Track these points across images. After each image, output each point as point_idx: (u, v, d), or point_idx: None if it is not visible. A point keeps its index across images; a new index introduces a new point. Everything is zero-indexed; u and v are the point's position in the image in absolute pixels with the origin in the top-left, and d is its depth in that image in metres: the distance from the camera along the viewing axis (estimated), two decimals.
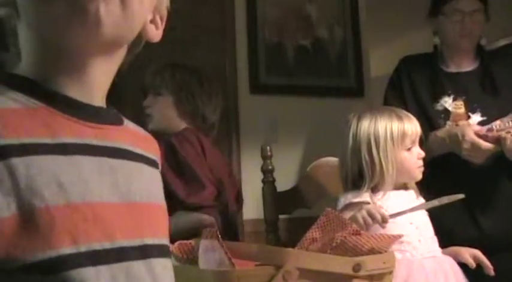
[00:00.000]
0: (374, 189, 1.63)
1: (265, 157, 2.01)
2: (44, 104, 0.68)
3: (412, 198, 1.66)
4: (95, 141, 0.71)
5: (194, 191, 1.81)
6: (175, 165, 1.82)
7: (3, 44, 0.77)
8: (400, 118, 1.64)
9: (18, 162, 0.61)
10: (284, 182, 2.14)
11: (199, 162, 1.86)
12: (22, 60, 0.73)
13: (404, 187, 1.68)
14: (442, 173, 1.89)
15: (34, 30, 0.71)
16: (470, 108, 1.96)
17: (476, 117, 1.95)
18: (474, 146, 1.79)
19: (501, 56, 2.13)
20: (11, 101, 0.66)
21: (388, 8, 3.91)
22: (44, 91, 0.69)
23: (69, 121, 0.69)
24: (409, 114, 1.69)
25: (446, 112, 1.98)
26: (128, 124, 0.82)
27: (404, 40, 4.42)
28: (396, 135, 1.61)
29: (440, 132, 1.92)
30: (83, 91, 0.72)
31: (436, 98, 2.01)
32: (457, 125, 1.94)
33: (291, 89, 2.79)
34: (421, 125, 1.69)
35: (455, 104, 1.98)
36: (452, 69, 2.06)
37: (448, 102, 1.99)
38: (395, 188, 1.65)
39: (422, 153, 1.66)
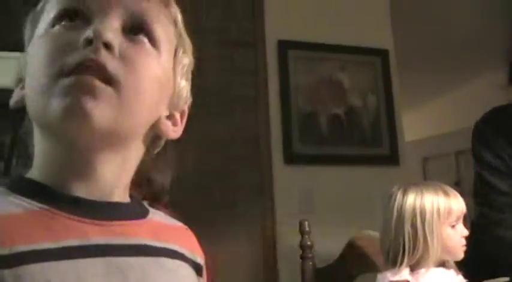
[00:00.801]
0: (414, 267, 1.59)
1: (303, 232, 1.96)
2: (47, 205, 0.67)
3: (452, 276, 1.61)
4: (101, 241, 0.68)
5: None
6: None
7: None
8: (446, 194, 1.60)
9: (7, 274, 0.60)
10: (320, 254, 2.09)
11: None
12: (34, 162, 0.73)
13: (444, 265, 1.64)
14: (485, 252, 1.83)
15: (38, 126, 0.71)
16: None
17: None
18: None
19: None
20: (13, 206, 0.66)
21: (419, 72, 3.93)
22: (48, 192, 0.68)
23: (74, 221, 0.67)
24: (455, 191, 1.65)
25: None
26: (154, 216, 0.80)
27: (434, 104, 4.42)
28: (443, 210, 1.57)
29: None
30: (94, 189, 0.71)
31: None
32: None
33: (325, 159, 2.79)
34: None
35: None
36: None
37: None
38: (436, 266, 1.60)
39: (466, 232, 1.62)
